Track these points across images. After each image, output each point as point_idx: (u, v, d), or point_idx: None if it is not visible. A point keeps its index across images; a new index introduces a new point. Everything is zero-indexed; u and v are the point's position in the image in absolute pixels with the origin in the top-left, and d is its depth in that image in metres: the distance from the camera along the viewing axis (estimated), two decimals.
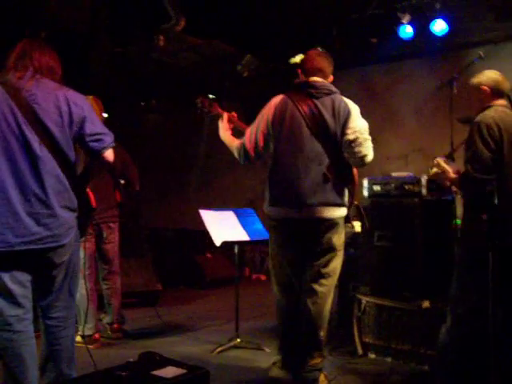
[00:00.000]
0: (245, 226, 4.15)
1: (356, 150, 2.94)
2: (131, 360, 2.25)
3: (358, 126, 2.98)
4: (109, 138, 2.60)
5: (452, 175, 2.91)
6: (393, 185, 3.80)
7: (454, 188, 3.33)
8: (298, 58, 4.96)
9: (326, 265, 3.04)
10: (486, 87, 2.92)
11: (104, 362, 3.02)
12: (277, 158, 3.07)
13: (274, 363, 3.24)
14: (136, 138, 7.43)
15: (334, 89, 3.11)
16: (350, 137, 2.95)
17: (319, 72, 3.14)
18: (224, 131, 3.30)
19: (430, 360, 3.28)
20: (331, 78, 3.21)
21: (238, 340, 4.06)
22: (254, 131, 3.11)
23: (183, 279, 6.87)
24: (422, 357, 3.49)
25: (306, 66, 3.18)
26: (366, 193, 3.95)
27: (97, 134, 2.55)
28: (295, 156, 2.99)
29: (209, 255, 7.07)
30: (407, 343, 3.63)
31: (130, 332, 4.47)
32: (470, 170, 2.74)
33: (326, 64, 3.19)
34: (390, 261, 3.76)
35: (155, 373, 2.10)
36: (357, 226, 4.44)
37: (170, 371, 2.13)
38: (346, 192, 3.08)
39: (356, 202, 3.22)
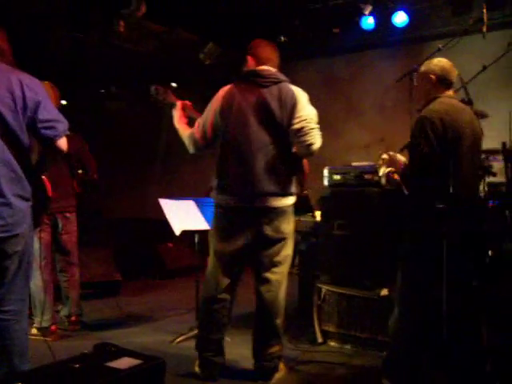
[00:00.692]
0: (205, 214, 4.12)
1: (302, 138, 2.93)
2: (86, 352, 2.21)
3: (305, 114, 2.96)
4: (62, 125, 2.51)
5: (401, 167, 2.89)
6: (352, 174, 3.84)
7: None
8: None
9: (277, 253, 3.04)
10: (432, 75, 2.88)
11: (61, 355, 2.96)
12: (225, 148, 3.04)
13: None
14: (96, 125, 7.31)
15: (282, 77, 3.08)
16: (297, 126, 2.93)
17: (271, 61, 3.13)
18: (178, 119, 3.26)
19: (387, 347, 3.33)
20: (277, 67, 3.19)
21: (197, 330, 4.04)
22: (202, 122, 3.09)
23: (144, 269, 6.80)
24: (381, 343, 3.54)
25: (258, 54, 3.14)
26: (326, 182, 3.98)
27: (50, 120, 2.46)
28: (243, 146, 2.97)
29: (170, 245, 7.00)
30: (366, 331, 3.69)
31: (88, 323, 4.40)
32: (411, 165, 2.75)
33: (276, 55, 3.19)
34: (349, 250, 3.81)
35: (110, 364, 2.07)
36: (318, 215, 4.47)
37: (124, 362, 2.10)
38: (294, 181, 3.08)
39: (306, 192, 3.22)
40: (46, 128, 2.45)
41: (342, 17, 5.96)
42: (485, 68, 3.93)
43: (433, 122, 2.69)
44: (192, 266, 4.52)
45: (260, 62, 3.11)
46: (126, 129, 8.47)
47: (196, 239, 4.21)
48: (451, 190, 2.65)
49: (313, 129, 2.94)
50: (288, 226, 3.06)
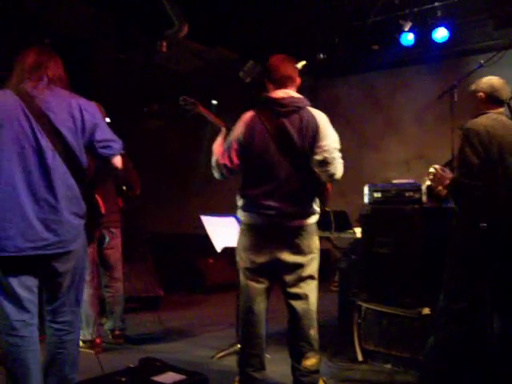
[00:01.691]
0: None
1: (324, 169, 2.93)
2: (131, 365, 2.26)
3: (327, 144, 2.93)
4: (118, 144, 2.67)
5: (448, 181, 2.89)
6: (393, 192, 3.80)
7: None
8: (299, 65, 4.98)
9: (303, 271, 3.03)
10: (481, 93, 2.90)
11: (105, 367, 3.03)
12: (248, 172, 3.06)
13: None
14: (138, 142, 7.47)
15: (301, 103, 3.02)
16: (319, 157, 2.92)
17: (289, 80, 3.05)
18: (219, 143, 3.22)
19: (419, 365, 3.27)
20: (299, 80, 3.12)
21: (239, 345, 4.06)
22: (227, 148, 3.07)
23: (185, 284, 6.88)
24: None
25: (274, 77, 3.05)
26: (366, 199, 3.96)
27: (106, 140, 2.63)
28: (265, 172, 2.97)
29: (211, 260, 7.08)
30: (407, 350, 3.63)
31: (131, 337, 4.48)
32: (459, 176, 2.75)
33: (292, 69, 3.09)
34: (389, 267, 3.77)
35: (155, 378, 2.12)
36: (358, 232, 4.45)
37: (169, 377, 2.15)
38: (316, 200, 3.08)
39: (327, 208, 3.20)
40: (102, 147, 2.61)
41: (382, 34, 5.96)
42: None
43: (478, 133, 2.72)
44: (232, 282, 4.56)
45: (278, 85, 3.04)
46: (166, 145, 8.64)
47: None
48: (498, 206, 2.64)
49: (334, 158, 2.93)
50: (311, 243, 3.06)
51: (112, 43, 5.79)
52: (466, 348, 2.78)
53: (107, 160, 2.65)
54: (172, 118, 8.29)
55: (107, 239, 4.25)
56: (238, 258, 3.17)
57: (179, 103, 3.39)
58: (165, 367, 2.27)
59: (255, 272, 3.07)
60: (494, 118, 2.83)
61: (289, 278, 3.05)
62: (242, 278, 3.14)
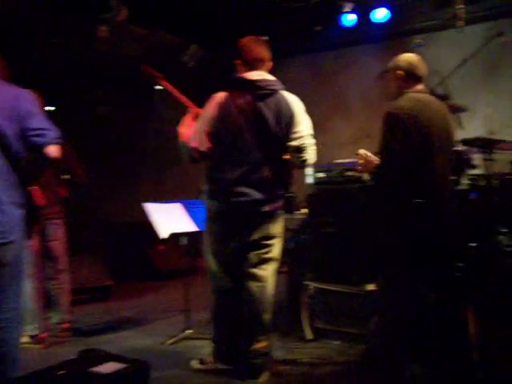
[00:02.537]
0: (193, 216, 4.14)
1: (298, 155, 2.97)
2: (70, 358, 2.23)
3: (302, 129, 2.96)
4: (53, 133, 2.63)
5: (373, 167, 2.87)
6: (335, 172, 3.87)
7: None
8: None
9: (266, 252, 3.07)
10: (400, 71, 2.88)
11: (51, 362, 2.96)
12: (217, 156, 2.99)
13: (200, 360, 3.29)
14: (84, 130, 7.29)
15: (277, 86, 3.00)
16: (294, 143, 2.94)
17: (261, 62, 3.02)
18: (185, 126, 3.12)
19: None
20: (270, 64, 3.09)
21: (190, 331, 4.07)
22: (198, 132, 2.97)
23: (136, 272, 6.81)
24: None
25: (247, 58, 3.01)
26: (311, 180, 4.01)
27: (40, 129, 2.58)
28: (236, 156, 2.94)
29: (162, 247, 7.01)
30: (355, 326, 3.72)
31: (80, 329, 4.40)
32: (380, 161, 2.73)
33: (265, 51, 3.07)
34: (335, 246, 3.84)
35: (94, 369, 2.09)
36: (306, 212, 4.49)
37: (109, 367, 2.12)
38: (282, 184, 3.10)
39: (291, 194, 3.21)
40: (35, 136, 2.57)
41: (323, 14, 5.98)
42: (465, 61, 3.96)
43: (398, 118, 2.68)
44: (183, 268, 4.55)
45: (250, 66, 3.01)
46: (114, 132, 8.45)
47: (184, 241, 4.23)
48: (425, 184, 2.68)
49: (310, 145, 2.98)
50: (277, 227, 3.09)
51: (46, 28, 5.58)
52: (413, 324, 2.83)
53: (40, 149, 2.59)
54: (118, 103, 8.11)
55: (48, 231, 4.14)
56: (206, 244, 3.16)
57: (142, 73, 3.26)
58: (106, 357, 2.24)
59: (225, 257, 3.08)
60: (413, 98, 2.79)
61: (253, 258, 3.07)
62: (211, 262, 3.15)
